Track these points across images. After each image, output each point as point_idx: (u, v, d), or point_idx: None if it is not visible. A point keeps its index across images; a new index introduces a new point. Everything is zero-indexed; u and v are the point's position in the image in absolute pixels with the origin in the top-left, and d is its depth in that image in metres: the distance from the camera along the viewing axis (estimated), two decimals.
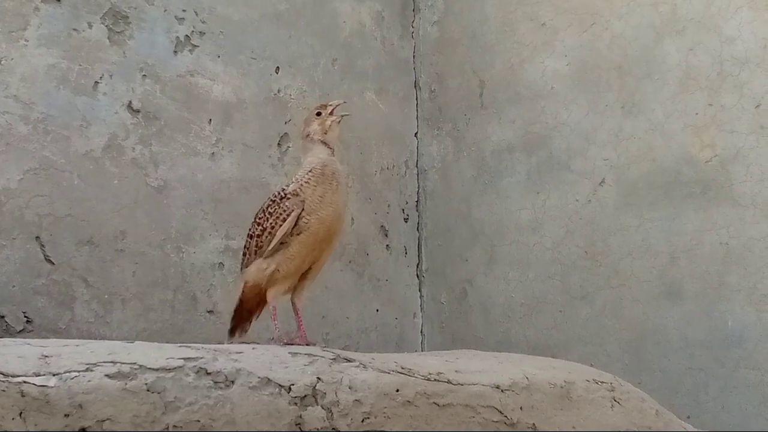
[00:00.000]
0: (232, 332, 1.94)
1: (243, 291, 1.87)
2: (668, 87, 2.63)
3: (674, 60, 2.63)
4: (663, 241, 2.59)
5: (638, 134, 2.68)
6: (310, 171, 1.81)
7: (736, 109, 2.49)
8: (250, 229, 1.85)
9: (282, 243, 1.77)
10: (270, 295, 1.82)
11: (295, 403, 1.41)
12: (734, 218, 2.46)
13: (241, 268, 1.90)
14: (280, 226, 1.77)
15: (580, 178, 2.80)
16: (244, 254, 1.87)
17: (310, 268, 1.84)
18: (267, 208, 1.81)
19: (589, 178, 2.78)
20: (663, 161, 2.62)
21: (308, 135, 1.89)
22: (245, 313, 1.92)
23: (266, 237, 1.79)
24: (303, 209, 1.77)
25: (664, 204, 2.60)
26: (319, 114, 1.91)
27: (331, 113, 1.91)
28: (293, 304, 1.88)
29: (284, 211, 1.77)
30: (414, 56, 3.37)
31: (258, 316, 1.94)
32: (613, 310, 2.67)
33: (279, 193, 1.81)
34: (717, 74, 2.53)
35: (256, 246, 1.82)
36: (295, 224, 1.76)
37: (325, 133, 1.88)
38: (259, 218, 1.82)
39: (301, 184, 1.80)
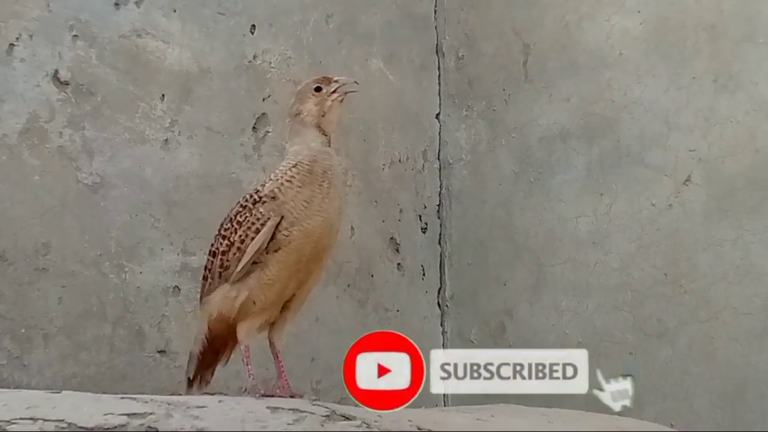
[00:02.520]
0: (191, 383, 1.94)
1: (208, 329, 1.86)
2: None
3: None
4: None
5: (736, 116, 2.68)
6: (294, 166, 1.81)
7: None
8: (212, 244, 1.86)
9: (255, 263, 1.77)
10: (241, 331, 1.81)
11: None
12: None
13: (201, 297, 1.90)
14: (252, 239, 1.76)
15: (657, 174, 2.80)
16: (205, 278, 1.88)
17: (293, 296, 1.84)
18: (236, 215, 1.81)
19: (669, 175, 2.78)
20: None
21: (299, 114, 1.89)
22: (210, 357, 1.92)
23: (234, 255, 1.79)
24: (282, 217, 1.76)
25: None
26: (318, 90, 1.90)
27: (335, 92, 1.90)
28: (271, 343, 1.87)
29: (258, 219, 1.77)
30: (435, 11, 3.38)
31: (227, 362, 1.95)
32: (702, 352, 2.67)
33: (252, 196, 1.81)
34: None
35: (221, 267, 1.82)
36: (273, 237, 1.76)
37: (323, 116, 1.88)
38: (225, 229, 1.83)
39: (281, 184, 1.79)
